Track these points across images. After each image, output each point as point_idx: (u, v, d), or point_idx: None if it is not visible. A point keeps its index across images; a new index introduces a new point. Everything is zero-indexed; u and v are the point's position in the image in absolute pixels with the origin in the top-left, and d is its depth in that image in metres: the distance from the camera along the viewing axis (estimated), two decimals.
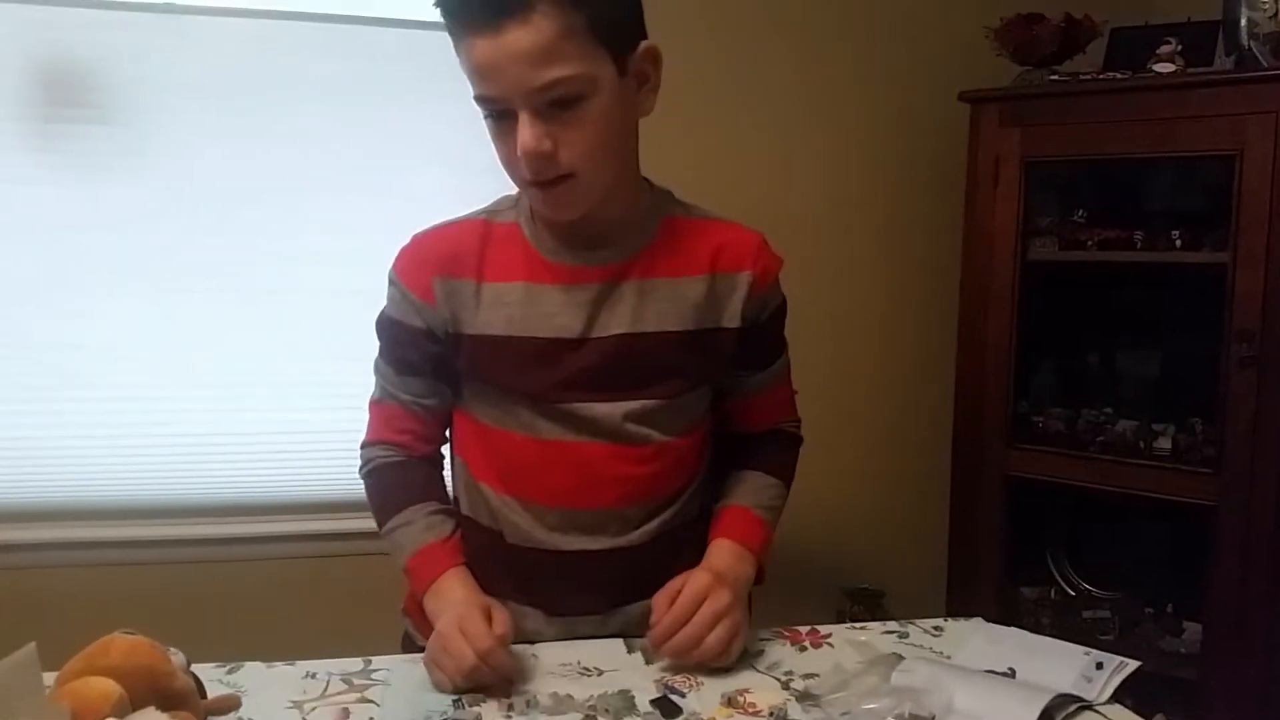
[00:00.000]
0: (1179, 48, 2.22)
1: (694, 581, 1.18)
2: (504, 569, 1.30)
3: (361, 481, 1.41)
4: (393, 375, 1.35)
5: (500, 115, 1.12)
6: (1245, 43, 2.17)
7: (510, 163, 1.15)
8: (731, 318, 1.28)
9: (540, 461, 1.27)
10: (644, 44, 1.17)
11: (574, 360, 1.23)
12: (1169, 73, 2.21)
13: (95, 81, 2.20)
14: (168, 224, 2.26)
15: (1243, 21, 2.17)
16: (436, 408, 1.35)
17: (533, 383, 1.24)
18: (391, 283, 1.32)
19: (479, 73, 1.10)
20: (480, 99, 1.13)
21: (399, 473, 1.35)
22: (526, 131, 1.09)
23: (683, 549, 1.32)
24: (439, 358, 1.30)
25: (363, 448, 1.40)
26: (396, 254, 1.32)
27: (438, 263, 1.26)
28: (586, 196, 1.17)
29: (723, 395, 1.39)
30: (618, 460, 1.27)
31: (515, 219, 1.28)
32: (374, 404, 1.39)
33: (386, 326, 1.34)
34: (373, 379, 1.39)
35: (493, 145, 1.17)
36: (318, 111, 2.29)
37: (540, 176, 1.13)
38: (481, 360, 1.26)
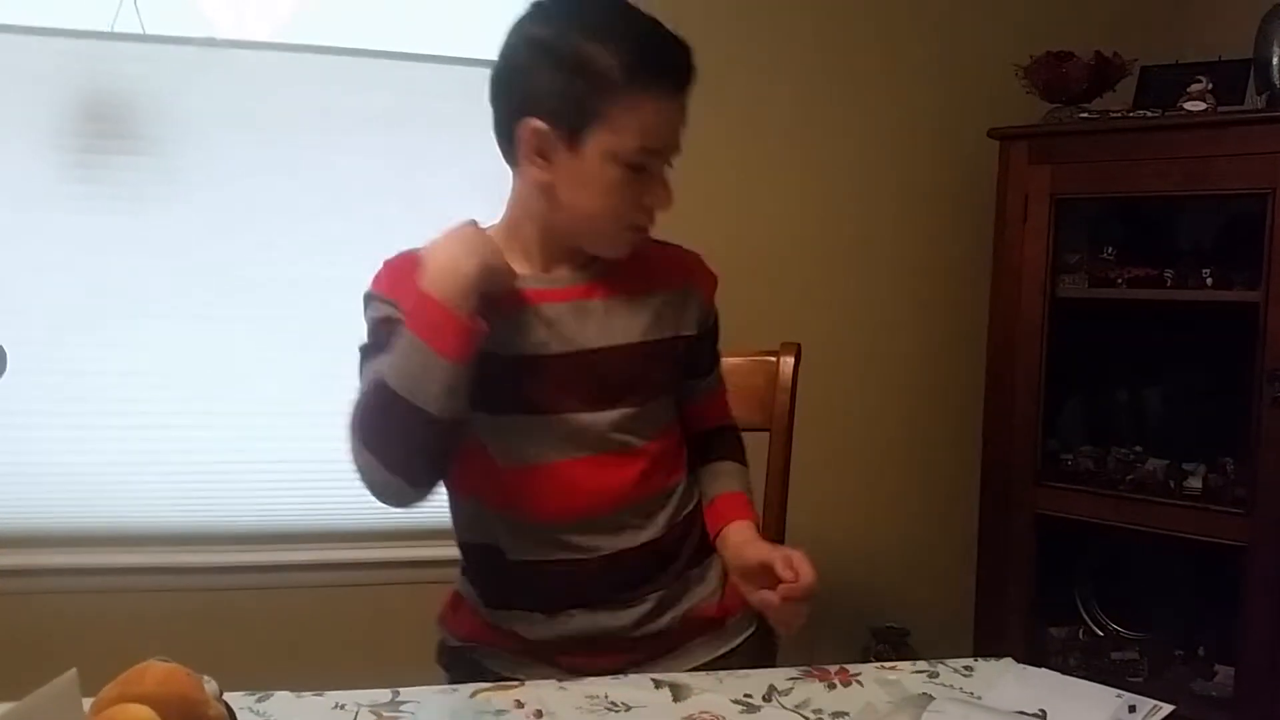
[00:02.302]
0: (1210, 86, 2.22)
1: (801, 556, 1.30)
2: (508, 581, 1.36)
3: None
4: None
5: (640, 169, 1.25)
6: (1277, 81, 2.17)
7: (629, 209, 1.29)
8: (688, 326, 1.40)
9: (528, 481, 1.31)
10: None
11: (554, 373, 1.29)
12: (1200, 111, 2.21)
13: (137, 114, 2.24)
14: (205, 253, 2.29)
15: (1275, 60, 2.17)
16: None
17: (514, 398, 1.29)
18: (374, 299, 1.35)
19: (654, 129, 1.24)
20: (640, 150, 1.24)
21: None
22: (663, 186, 1.30)
23: (687, 539, 1.41)
24: None
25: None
26: (373, 277, 1.38)
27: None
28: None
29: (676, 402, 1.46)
30: (605, 468, 1.32)
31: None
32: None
33: (375, 334, 1.35)
34: None
35: (606, 193, 1.26)
36: (354, 144, 2.32)
37: (651, 223, 1.33)
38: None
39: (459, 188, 2.36)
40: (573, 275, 1.34)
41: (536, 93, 1.24)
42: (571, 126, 1.22)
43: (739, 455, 1.53)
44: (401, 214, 2.35)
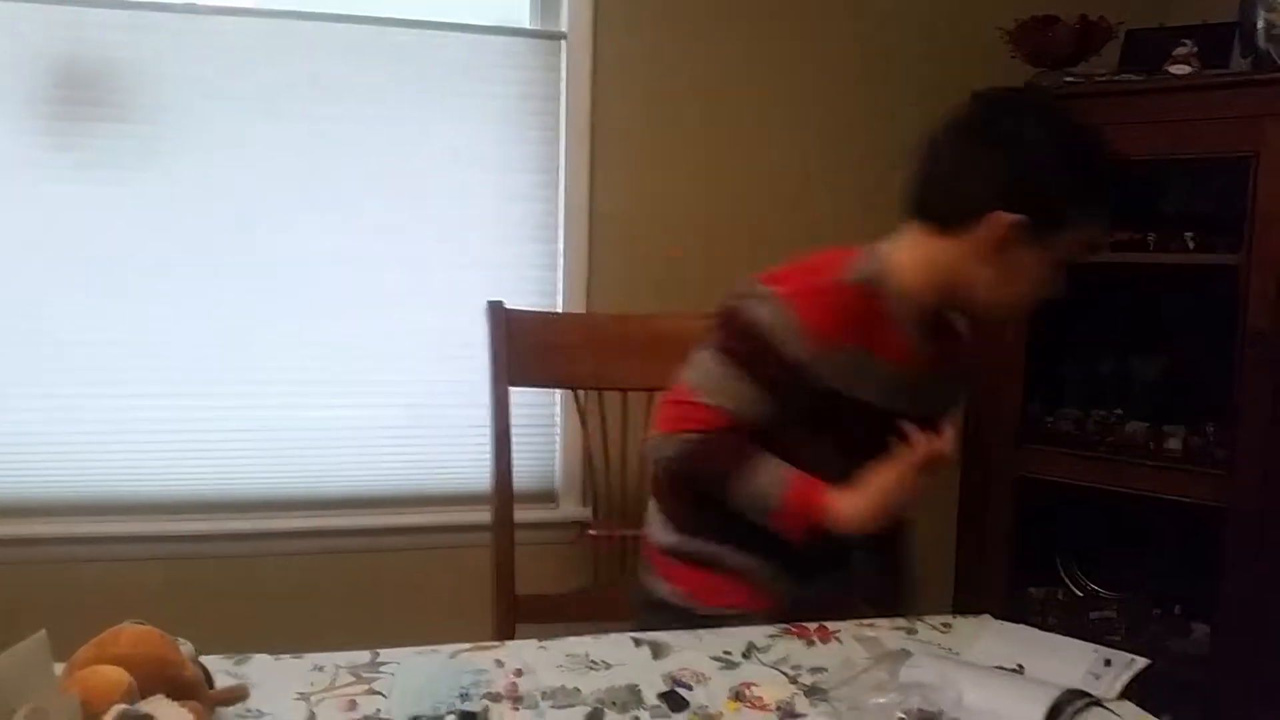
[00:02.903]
0: (1195, 49, 2.21)
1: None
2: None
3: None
4: (729, 373, 1.38)
5: (1060, 263, 1.37)
6: (1262, 45, 2.15)
7: (1032, 286, 1.39)
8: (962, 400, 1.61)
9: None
10: None
11: (882, 425, 1.35)
12: (1184, 74, 2.20)
13: (118, 81, 2.20)
14: (188, 223, 2.26)
15: (1259, 24, 2.16)
16: (747, 417, 1.38)
17: (844, 436, 1.39)
18: (783, 303, 1.37)
19: (1090, 245, 1.40)
20: (1079, 253, 1.38)
21: (725, 436, 1.38)
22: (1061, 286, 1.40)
23: None
24: (787, 385, 1.36)
25: (663, 436, 1.42)
26: (804, 287, 1.39)
27: (847, 329, 1.37)
28: None
29: None
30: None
31: (884, 296, 1.40)
32: (685, 399, 1.40)
33: (749, 334, 1.37)
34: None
35: (1034, 282, 1.38)
36: (341, 113, 2.29)
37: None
38: (823, 411, 1.38)
39: (447, 153, 2.35)
40: (929, 346, 1.44)
41: (1032, 190, 1.31)
42: (1046, 227, 1.32)
43: None
44: (389, 183, 2.33)
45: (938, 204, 1.37)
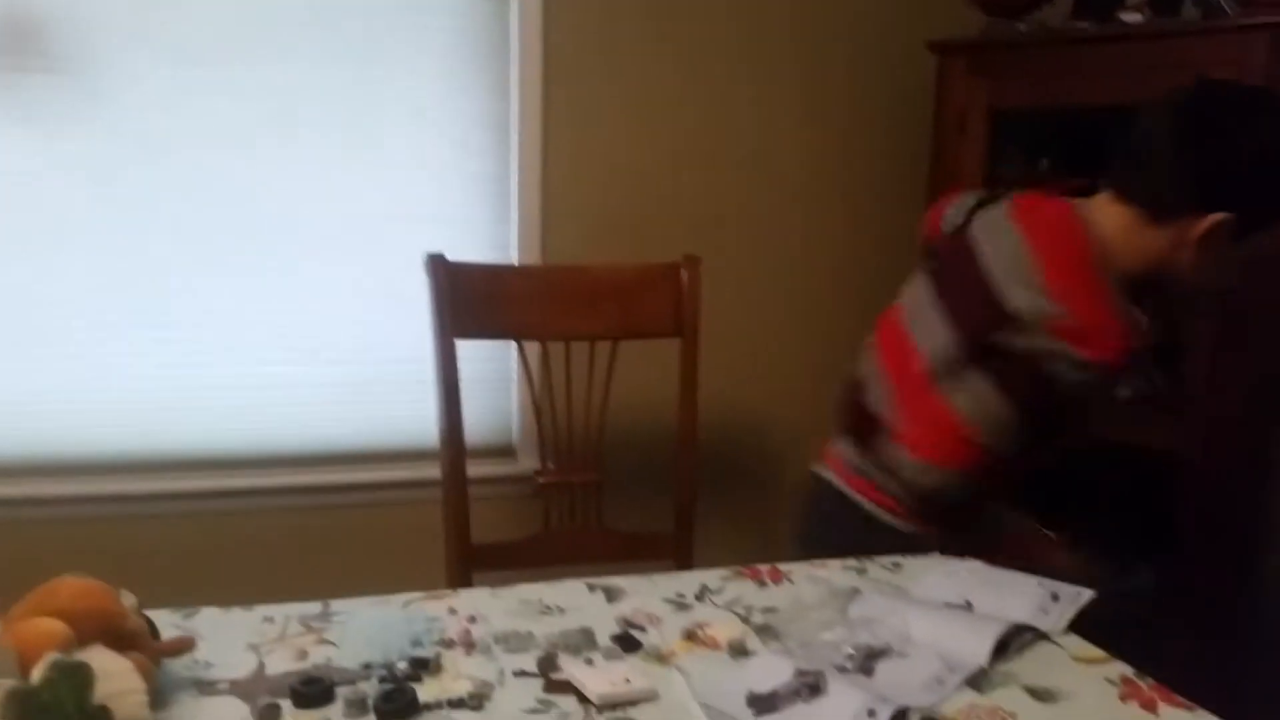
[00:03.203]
0: None
1: None
2: None
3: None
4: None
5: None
6: None
7: (1223, 276, 1.55)
8: None
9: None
10: None
11: None
12: (1136, 23, 2.20)
13: (56, 30, 2.13)
14: (128, 175, 2.21)
15: None
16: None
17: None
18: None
19: None
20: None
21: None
22: None
23: None
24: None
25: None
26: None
27: None
28: None
29: None
30: None
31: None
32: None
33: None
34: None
35: (1217, 260, 1.46)
36: (283, 61, 2.24)
37: None
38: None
39: (397, 108, 2.31)
40: None
41: (1245, 195, 1.39)
42: (1251, 227, 1.41)
43: None
44: (336, 136, 2.29)
45: (1149, 194, 1.44)
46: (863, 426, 1.63)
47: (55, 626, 0.85)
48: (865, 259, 2.68)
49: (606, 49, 2.41)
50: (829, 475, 1.67)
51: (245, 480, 2.33)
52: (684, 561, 1.88)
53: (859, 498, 1.61)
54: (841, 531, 1.60)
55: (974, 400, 1.49)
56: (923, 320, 1.58)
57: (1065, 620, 1.18)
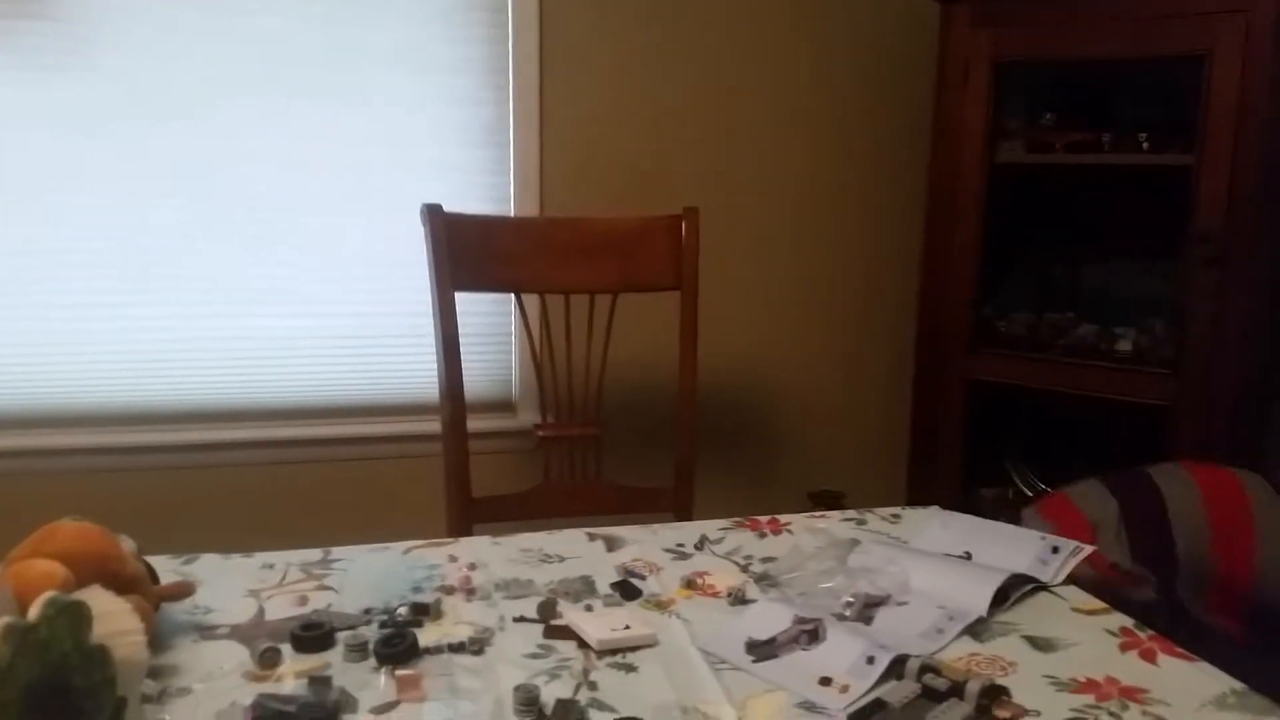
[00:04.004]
0: None
1: None
2: None
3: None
4: None
5: None
6: None
7: None
8: None
9: None
10: None
11: None
12: None
13: None
14: (126, 126, 2.19)
15: None
16: None
17: None
18: None
19: None
20: None
21: None
22: None
23: None
24: None
25: None
26: None
27: None
28: None
29: None
30: None
31: None
32: None
33: None
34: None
35: None
36: (276, 9, 2.21)
37: None
38: None
39: (393, 57, 2.28)
40: None
41: None
42: None
43: None
44: (332, 85, 2.26)
45: None
46: None
47: (53, 567, 0.84)
48: (866, 212, 2.67)
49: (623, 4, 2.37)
50: None
51: (246, 433, 2.33)
52: (684, 515, 1.88)
53: None
54: None
55: None
56: None
57: (1065, 572, 1.18)
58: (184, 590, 1.02)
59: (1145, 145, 2.23)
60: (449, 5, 2.29)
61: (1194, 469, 1.83)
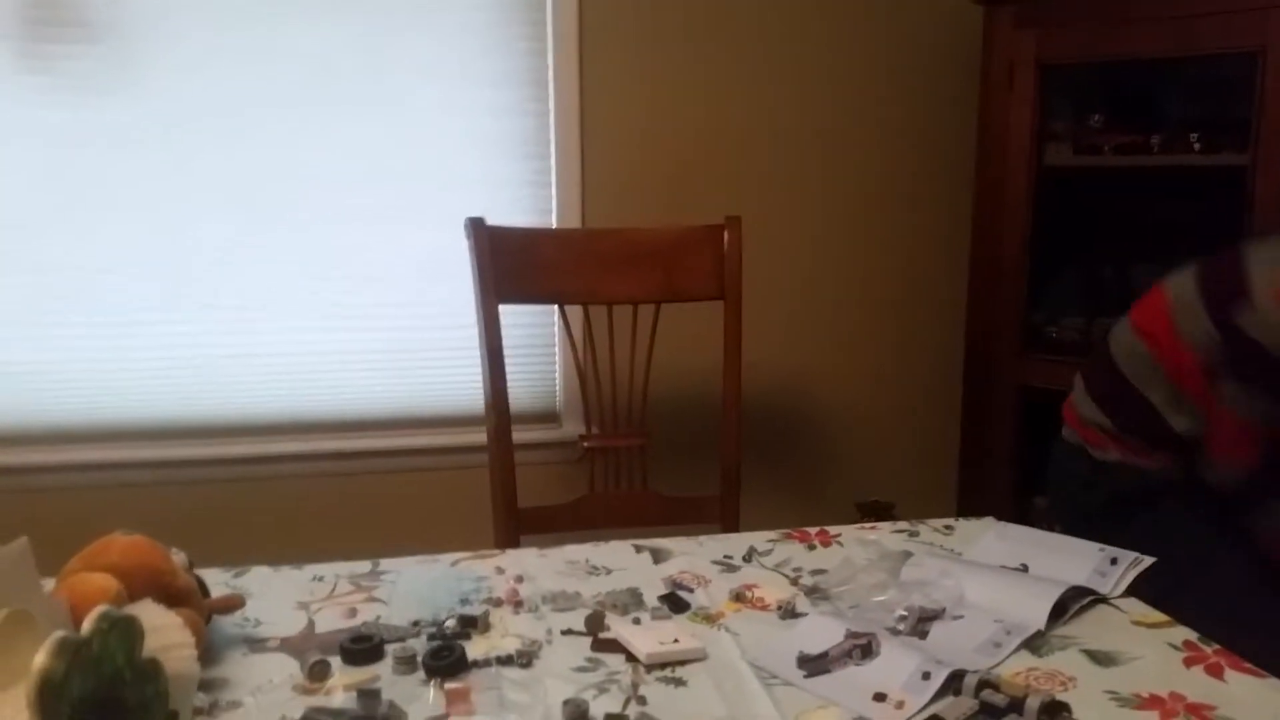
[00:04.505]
0: None
1: None
2: None
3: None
4: None
5: None
6: None
7: None
8: None
9: None
10: None
11: None
12: None
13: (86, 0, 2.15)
14: (171, 144, 2.22)
15: None
16: None
17: None
18: None
19: None
20: None
21: None
22: None
23: None
24: None
25: None
26: None
27: None
28: None
29: None
30: None
31: None
32: None
33: None
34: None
35: None
36: (319, 27, 2.23)
37: None
38: None
39: (435, 71, 2.30)
40: None
41: None
42: None
43: None
44: (375, 99, 2.28)
45: None
46: None
47: (106, 581, 0.85)
48: (911, 218, 2.64)
49: (643, 7, 2.37)
50: None
51: (293, 446, 2.35)
52: (730, 526, 1.86)
53: None
54: None
55: None
56: None
57: (1124, 584, 1.15)
58: (234, 603, 1.02)
59: (1197, 146, 2.18)
60: (489, 19, 2.30)
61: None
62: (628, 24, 2.36)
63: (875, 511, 2.55)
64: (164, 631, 0.79)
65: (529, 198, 2.38)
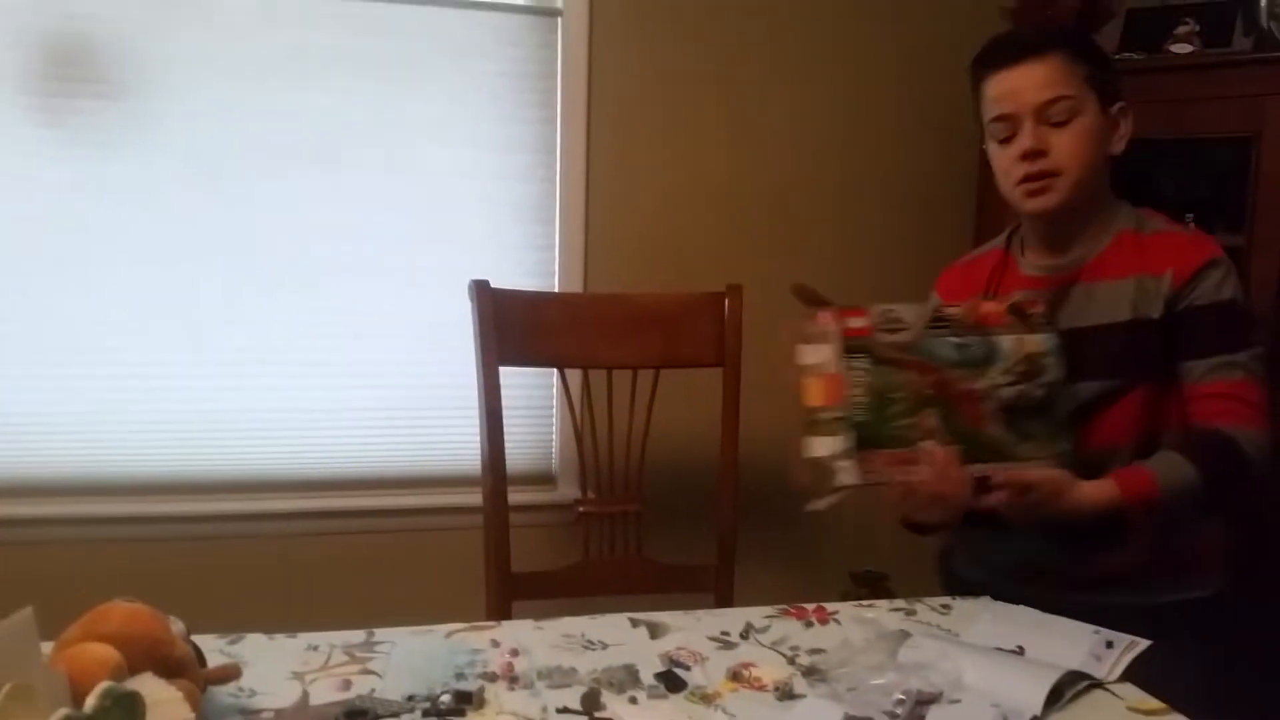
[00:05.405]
0: (1197, 28, 2.18)
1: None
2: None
3: None
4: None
5: (1007, 139, 1.49)
6: (1264, 23, 2.13)
7: (1008, 171, 1.50)
8: (1154, 309, 1.46)
9: None
10: (1119, 103, 1.52)
11: None
12: (1186, 53, 2.18)
13: (104, 55, 2.17)
14: (179, 199, 2.24)
15: (1262, 2, 2.14)
16: None
17: None
18: None
19: (998, 98, 1.48)
20: (995, 120, 1.49)
21: None
22: (1027, 137, 1.45)
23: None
24: None
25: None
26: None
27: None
28: (1063, 190, 1.47)
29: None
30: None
31: (1003, 248, 1.66)
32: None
33: None
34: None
35: (995, 166, 1.55)
36: (333, 88, 2.26)
37: (1031, 171, 1.46)
38: None
39: (444, 135, 2.33)
40: (1059, 263, 1.54)
41: None
42: (981, 121, 1.54)
43: (1194, 451, 1.40)
44: (384, 162, 2.31)
45: None
46: None
47: (107, 653, 0.85)
48: (911, 286, 2.65)
49: (652, 76, 2.42)
50: None
51: (287, 504, 2.34)
52: (725, 594, 1.86)
53: None
54: None
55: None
56: None
57: (1120, 668, 1.15)
58: (230, 673, 1.02)
59: (1191, 227, 2.21)
60: (500, 87, 2.34)
61: None
62: (635, 92, 2.40)
63: (869, 581, 2.54)
64: (164, 707, 0.79)
65: (533, 261, 2.40)
